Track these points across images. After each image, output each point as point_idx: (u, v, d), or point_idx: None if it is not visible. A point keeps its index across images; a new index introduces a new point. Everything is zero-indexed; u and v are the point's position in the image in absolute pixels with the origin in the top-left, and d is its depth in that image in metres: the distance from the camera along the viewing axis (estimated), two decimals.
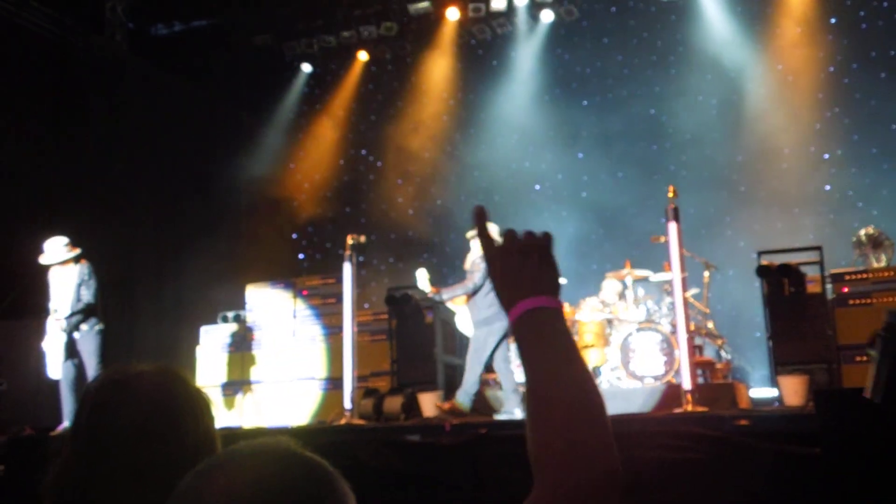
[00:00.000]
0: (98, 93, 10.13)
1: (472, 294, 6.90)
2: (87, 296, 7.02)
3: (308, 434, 6.43)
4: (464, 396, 6.79)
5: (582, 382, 1.00)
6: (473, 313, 6.97)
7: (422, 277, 7.11)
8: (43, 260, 7.03)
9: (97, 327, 7.14)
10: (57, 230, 7.35)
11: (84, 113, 9.94)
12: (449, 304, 7.63)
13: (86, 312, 7.05)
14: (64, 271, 7.06)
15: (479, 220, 1.13)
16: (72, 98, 9.83)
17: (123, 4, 10.75)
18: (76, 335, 7.04)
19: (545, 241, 1.10)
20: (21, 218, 8.93)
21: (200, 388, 1.38)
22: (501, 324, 6.68)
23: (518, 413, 6.58)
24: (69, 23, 9.90)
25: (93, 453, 1.25)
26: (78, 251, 7.10)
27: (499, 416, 6.88)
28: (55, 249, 7.02)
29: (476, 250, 6.97)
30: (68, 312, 6.94)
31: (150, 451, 1.24)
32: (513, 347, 7.00)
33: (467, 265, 7.15)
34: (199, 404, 1.34)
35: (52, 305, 7.07)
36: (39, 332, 7.16)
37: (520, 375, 6.87)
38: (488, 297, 6.68)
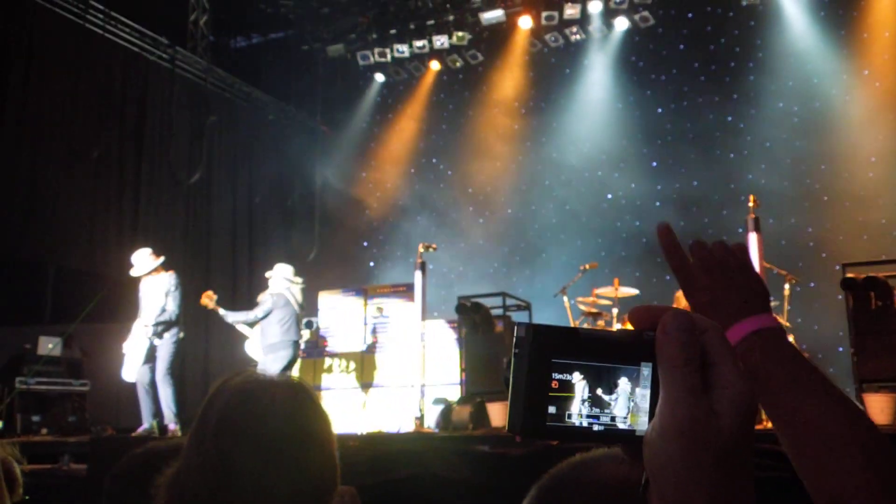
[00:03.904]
0: (181, 105, 10.46)
1: (262, 321, 7.52)
2: (172, 306, 7.29)
3: (378, 441, 6.46)
4: None
5: (859, 413, 0.84)
6: (262, 340, 7.57)
7: (207, 298, 7.73)
8: (133, 273, 7.33)
9: (178, 336, 7.40)
10: (139, 238, 7.59)
11: (167, 124, 10.27)
12: (241, 329, 8.02)
13: (169, 322, 7.31)
14: (152, 281, 7.33)
15: (667, 238, 0.97)
16: (154, 110, 10.17)
17: (206, 18, 11.08)
18: (157, 342, 7.30)
19: (742, 251, 0.98)
20: (104, 226, 9.27)
21: (325, 408, 1.29)
22: (286, 352, 7.43)
23: None
24: (154, 36, 10.25)
25: (217, 466, 1.15)
26: (162, 259, 7.37)
27: None
28: (142, 261, 7.32)
29: (272, 287, 7.60)
30: (153, 321, 7.22)
31: (277, 475, 1.15)
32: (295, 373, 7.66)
33: (259, 298, 7.75)
34: (326, 428, 1.24)
35: (140, 311, 7.35)
36: (122, 336, 7.42)
37: None
38: (275, 327, 7.43)
